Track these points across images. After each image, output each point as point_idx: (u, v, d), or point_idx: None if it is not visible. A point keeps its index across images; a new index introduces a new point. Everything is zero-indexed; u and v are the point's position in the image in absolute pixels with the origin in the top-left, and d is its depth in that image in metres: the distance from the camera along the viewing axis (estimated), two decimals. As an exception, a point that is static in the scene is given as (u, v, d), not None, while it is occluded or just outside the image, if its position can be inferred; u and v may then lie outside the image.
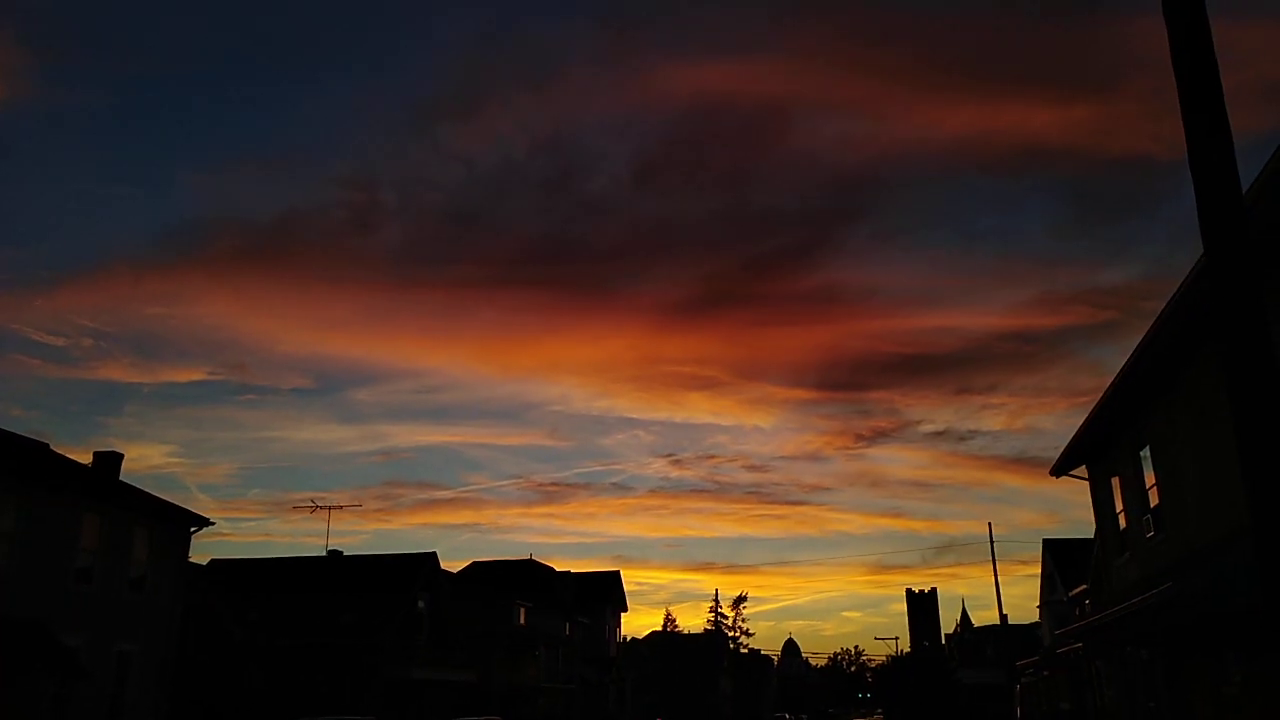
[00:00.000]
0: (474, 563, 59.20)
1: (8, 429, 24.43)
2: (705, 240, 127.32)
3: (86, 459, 27.23)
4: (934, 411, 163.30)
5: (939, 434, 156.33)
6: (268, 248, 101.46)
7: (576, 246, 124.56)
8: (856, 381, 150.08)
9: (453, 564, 57.34)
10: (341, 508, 45.17)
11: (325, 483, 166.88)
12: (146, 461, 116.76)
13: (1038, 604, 52.91)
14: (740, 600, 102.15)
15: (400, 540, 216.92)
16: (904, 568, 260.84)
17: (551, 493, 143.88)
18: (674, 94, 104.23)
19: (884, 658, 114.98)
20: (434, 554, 39.76)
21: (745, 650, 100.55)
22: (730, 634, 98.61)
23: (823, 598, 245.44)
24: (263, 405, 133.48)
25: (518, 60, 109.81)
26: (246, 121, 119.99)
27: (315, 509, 43.89)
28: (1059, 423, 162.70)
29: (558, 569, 60.82)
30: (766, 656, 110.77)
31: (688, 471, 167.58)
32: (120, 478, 27.26)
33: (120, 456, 27.77)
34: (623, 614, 69.61)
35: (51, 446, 25.22)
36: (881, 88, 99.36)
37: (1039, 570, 51.22)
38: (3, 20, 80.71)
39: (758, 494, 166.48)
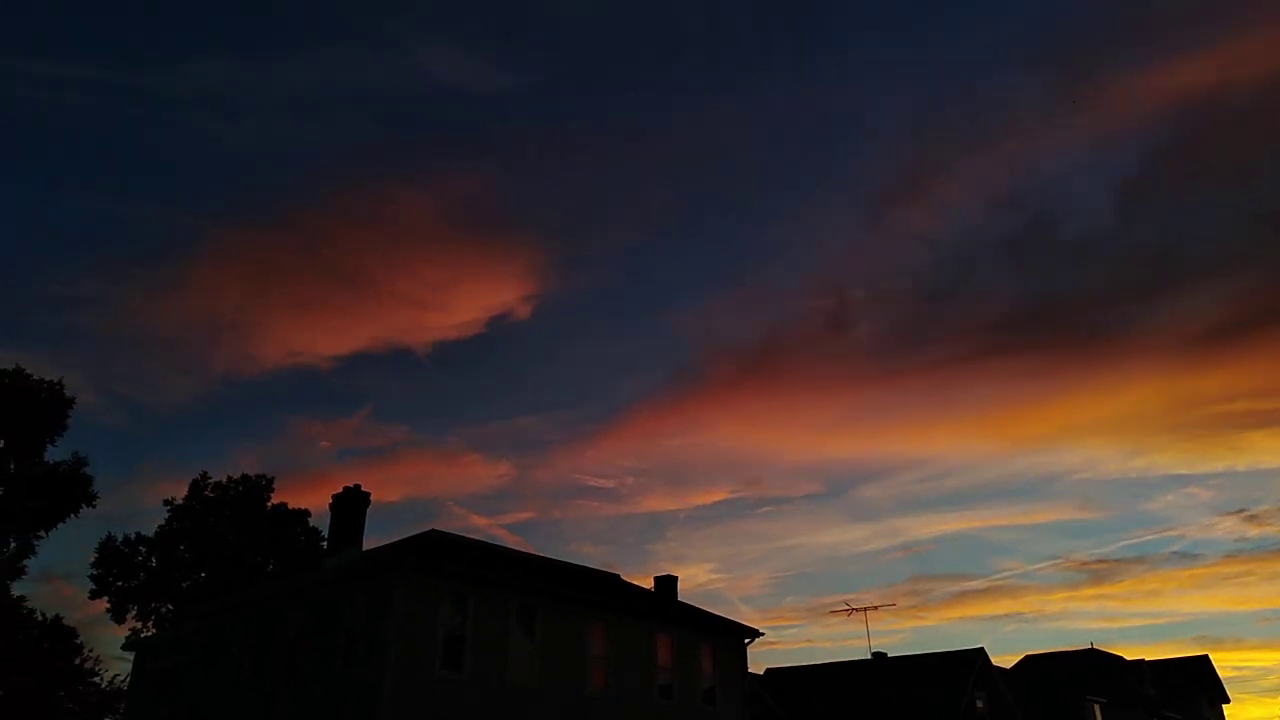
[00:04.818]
0: (1026, 656, 54.38)
1: (586, 565, 28.31)
2: (1221, 254, 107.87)
3: (647, 584, 30.43)
4: None
5: None
6: (757, 367, 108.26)
7: (1064, 296, 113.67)
8: None
9: (999, 658, 53.43)
10: (876, 608, 44.69)
11: (854, 583, 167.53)
12: (692, 581, 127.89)
13: None
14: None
15: (938, 636, 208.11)
16: None
17: (1098, 571, 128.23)
18: (1144, 106, 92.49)
19: None
20: (982, 649, 37.84)
21: None
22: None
23: None
24: (780, 515, 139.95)
25: (957, 127, 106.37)
26: (718, 260, 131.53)
27: (851, 612, 43.94)
28: None
29: (1127, 657, 53.51)
30: None
31: (1270, 528, 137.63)
32: (677, 598, 29.94)
33: (675, 579, 30.44)
34: (1224, 705, 58.79)
35: (621, 576, 28.80)
36: None
37: None
38: (530, 234, 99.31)
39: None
